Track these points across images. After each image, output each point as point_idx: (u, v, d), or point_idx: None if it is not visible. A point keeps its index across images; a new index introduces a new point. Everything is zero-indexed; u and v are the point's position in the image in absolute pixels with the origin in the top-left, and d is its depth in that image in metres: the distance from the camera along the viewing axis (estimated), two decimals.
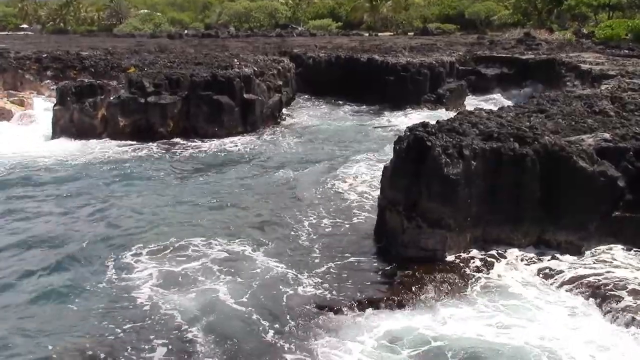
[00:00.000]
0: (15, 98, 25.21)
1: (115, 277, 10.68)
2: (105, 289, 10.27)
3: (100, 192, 15.67)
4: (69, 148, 20.49)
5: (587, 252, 10.88)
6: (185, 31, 65.95)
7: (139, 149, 20.56)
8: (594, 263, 10.55)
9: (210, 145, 21.17)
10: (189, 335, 8.85)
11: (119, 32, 67.23)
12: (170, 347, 8.55)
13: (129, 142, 21.22)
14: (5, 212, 14.11)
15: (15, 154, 19.63)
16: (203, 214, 14.05)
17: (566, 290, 9.89)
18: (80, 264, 11.27)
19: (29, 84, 26.86)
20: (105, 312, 9.49)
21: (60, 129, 21.74)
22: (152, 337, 8.77)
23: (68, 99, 21.71)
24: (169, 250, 11.73)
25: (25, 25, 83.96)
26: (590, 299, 9.55)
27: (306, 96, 31.90)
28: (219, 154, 20.26)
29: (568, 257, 10.82)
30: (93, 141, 21.33)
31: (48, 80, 26.94)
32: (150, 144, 21.08)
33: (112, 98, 21.96)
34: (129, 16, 79.55)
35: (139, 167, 18.25)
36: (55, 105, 22.18)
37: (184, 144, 21.40)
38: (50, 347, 8.51)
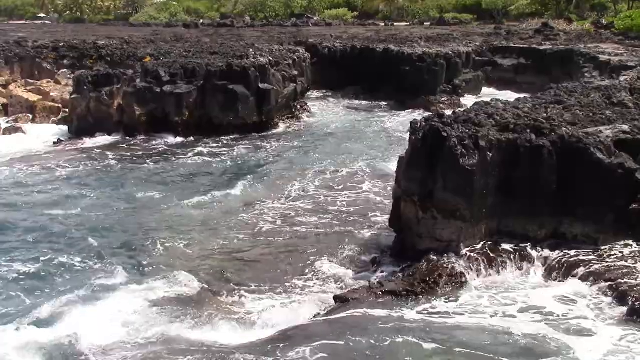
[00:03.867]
0: (33, 87, 25.43)
1: None
2: None
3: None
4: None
5: (604, 246, 10.74)
6: (201, 20, 66.06)
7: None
8: (610, 257, 10.43)
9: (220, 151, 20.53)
10: None
11: (135, 21, 67.43)
12: None
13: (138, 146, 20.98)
14: None
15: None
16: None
17: (581, 283, 9.82)
18: None
19: (46, 73, 27.07)
20: None
21: (77, 117, 21.92)
22: None
23: (85, 87, 21.84)
24: None
25: (42, 15, 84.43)
26: (606, 293, 9.46)
27: (321, 86, 31.82)
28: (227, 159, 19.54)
29: (584, 250, 10.70)
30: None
31: (65, 69, 27.14)
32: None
33: (128, 87, 22.06)
34: (145, 5, 79.78)
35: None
36: (72, 94, 22.35)
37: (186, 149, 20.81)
38: None
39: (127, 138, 21.48)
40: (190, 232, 13.02)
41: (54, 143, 21.04)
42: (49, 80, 26.47)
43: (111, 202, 15.13)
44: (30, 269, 11.09)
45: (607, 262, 10.21)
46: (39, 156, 19.37)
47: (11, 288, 10.36)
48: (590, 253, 10.56)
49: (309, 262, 11.50)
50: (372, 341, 8.26)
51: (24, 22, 74.96)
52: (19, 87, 25.38)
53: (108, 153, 19.74)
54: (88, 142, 21.04)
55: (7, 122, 22.82)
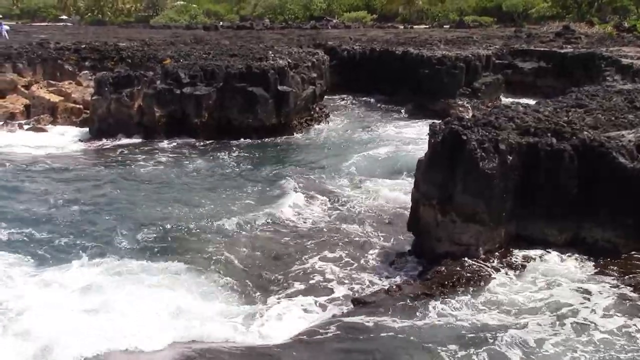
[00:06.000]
0: (55, 88, 25.72)
1: None
2: None
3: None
4: None
5: (626, 251, 10.61)
6: (221, 23, 66.36)
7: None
8: (631, 262, 10.31)
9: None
10: None
11: (155, 23, 68.05)
12: None
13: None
14: None
15: None
16: None
17: (601, 287, 9.71)
18: None
19: (67, 74, 27.34)
20: None
21: (98, 118, 22.13)
22: None
23: (105, 89, 22.05)
24: None
25: (64, 16, 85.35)
26: (630, 298, 9.34)
27: (340, 89, 31.72)
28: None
29: (604, 255, 10.58)
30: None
31: (86, 71, 27.40)
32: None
33: (148, 89, 22.22)
34: (165, 8, 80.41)
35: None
36: (93, 96, 22.58)
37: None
38: None
39: (147, 139, 21.63)
40: (206, 235, 13.04)
41: (75, 144, 21.25)
42: (71, 81, 26.73)
43: (128, 203, 15.15)
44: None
45: (627, 267, 10.11)
46: (59, 157, 19.56)
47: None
48: (611, 258, 10.46)
49: (327, 266, 11.49)
50: (389, 345, 8.25)
51: (46, 23, 75.96)
52: (40, 88, 25.70)
53: (127, 154, 19.94)
54: (108, 143, 21.26)
55: (29, 123, 23.11)
